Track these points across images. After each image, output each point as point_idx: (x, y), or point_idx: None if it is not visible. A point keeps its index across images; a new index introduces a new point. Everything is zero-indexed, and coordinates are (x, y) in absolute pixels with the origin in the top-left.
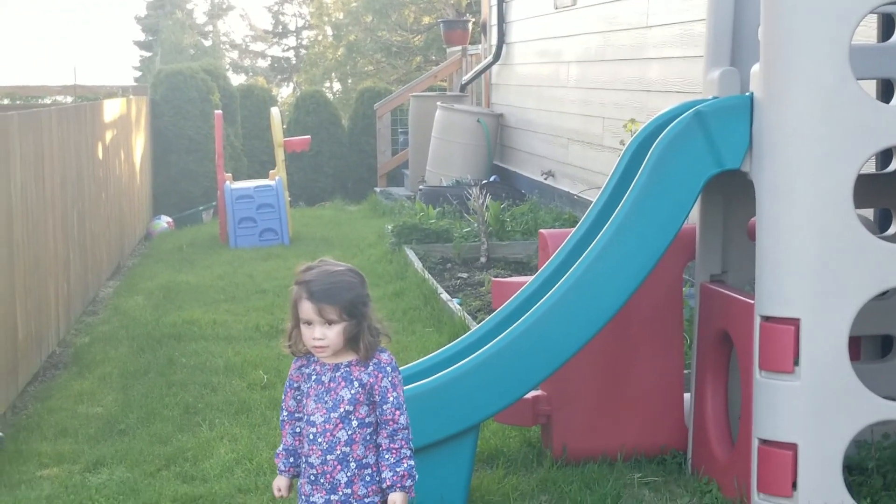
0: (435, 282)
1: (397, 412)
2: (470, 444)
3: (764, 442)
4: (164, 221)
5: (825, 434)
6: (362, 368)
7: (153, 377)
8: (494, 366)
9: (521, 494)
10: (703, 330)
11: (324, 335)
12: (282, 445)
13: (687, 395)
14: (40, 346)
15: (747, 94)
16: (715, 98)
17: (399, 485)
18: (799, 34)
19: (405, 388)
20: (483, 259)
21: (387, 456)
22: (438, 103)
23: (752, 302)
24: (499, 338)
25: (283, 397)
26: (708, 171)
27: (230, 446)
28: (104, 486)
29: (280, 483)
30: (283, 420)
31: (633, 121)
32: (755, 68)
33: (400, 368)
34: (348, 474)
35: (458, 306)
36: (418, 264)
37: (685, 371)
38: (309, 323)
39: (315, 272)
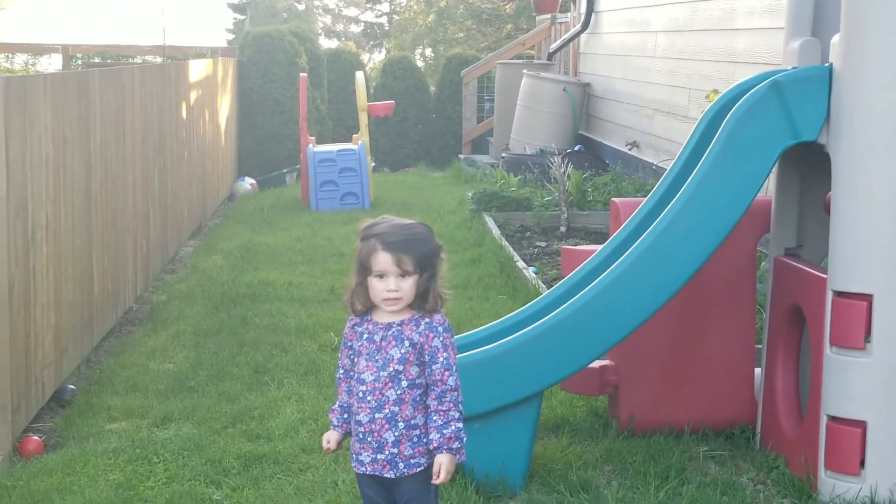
0: (512, 250)
1: (446, 373)
2: (533, 412)
3: (833, 419)
4: (248, 183)
5: (895, 412)
6: (413, 328)
7: (226, 336)
8: (559, 333)
9: (584, 463)
10: (775, 304)
11: (398, 287)
12: (337, 402)
13: (757, 370)
14: (116, 302)
15: (826, 65)
16: (794, 68)
17: (446, 447)
18: (880, 5)
19: (471, 352)
20: (563, 228)
21: (434, 417)
22: (525, 71)
23: (826, 277)
24: (565, 306)
25: (339, 356)
26: (783, 143)
27: (297, 406)
28: (170, 442)
29: (330, 437)
30: (339, 378)
31: (715, 91)
32: (835, 39)
33: (468, 333)
34: (396, 434)
35: (534, 275)
36: (496, 232)
37: (756, 345)
38: (382, 275)
39: (387, 225)
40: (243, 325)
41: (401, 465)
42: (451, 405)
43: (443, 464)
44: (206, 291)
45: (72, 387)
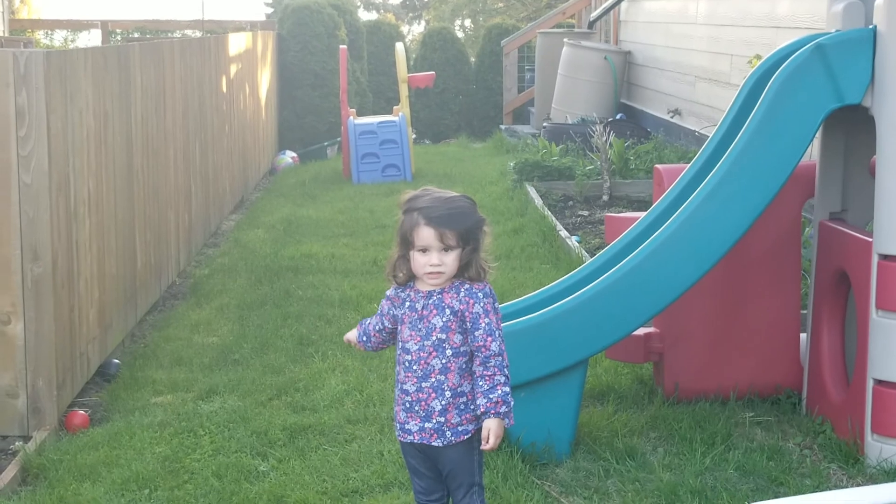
0: (554, 219)
1: (489, 338)
2: (578, 379)
3: (879, 382)
4: (289, 156)
5: None
6: (454, 295)
7: (269, 309)
8: (604, 301)
9: (629, 431)
10: (820, 268)
11: (441, 261)
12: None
13: (803, 335)
14: (160, 276)
15: (870, 27)
16: (837, 31)
17: (493, 411)
18: None
19: (516, 321)
20: (605, 197)
21: (480, 383)
22: (566, 40)
23: (871, 240)
24: (609, 273)
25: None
26: (827, 106)
27: (341, 378)
28: (215, 414)
29: (351, 335)
30: (366, 321)
31: (757, 56)
32: (879, 1)
33: (512, 302)
34: (443, 402)
35: (577, 243)
36: (539, 201)
37: (802, 310)
38: (425, 250)
39: (430, 198)
40: (287, 298)
41: (448, 433)
42: (497, 370)
43: (491, 429)
44: (249, 265)
45: (116, 361)
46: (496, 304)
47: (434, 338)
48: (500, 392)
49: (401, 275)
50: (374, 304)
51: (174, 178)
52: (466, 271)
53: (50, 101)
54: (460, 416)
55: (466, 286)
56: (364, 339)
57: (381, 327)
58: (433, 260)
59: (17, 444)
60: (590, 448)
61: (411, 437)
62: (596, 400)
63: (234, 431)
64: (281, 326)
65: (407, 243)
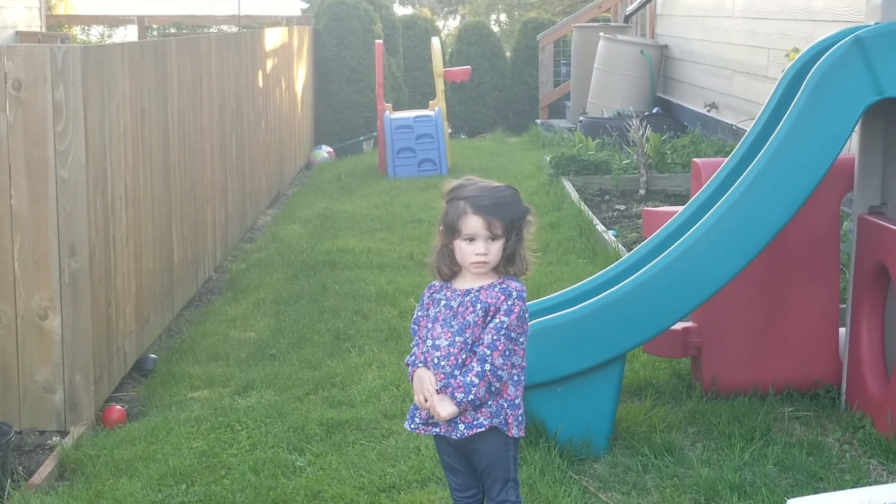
0: (591, 213)
1: (492, 331)
2: (616, 374)
3: None
4: (325, 151)
5: None
6: (489, 292)
7: (306, 304)
8: (641, 296)
9: (668, 426)
10: (859, 263)
11: (487, 250)
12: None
13: (842, 330)
14: (196, 270)
15: None
16: (876, 24)
17: (450, 389)
18: None
19: (553, 315)
20: (642, 191)
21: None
22: (601, 34)
23: None
24: (647, 267)
25: (415, 312)
26: (866, 99)
27: (378, 372)
28: (252, 409)
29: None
30: (414, 329)
31: (795, 49)
32: None
33: (549, 297)
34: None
35: (614, 238)
36: (575, 196)
37: (841, 305)
38: (472, 239)
39: (475, 188)
40: (323, 293)
41: (461, 426)
42: (478, 365)
43: (437, 401)
44: (286, 259)
45: (153, 356)
46: (523, 308)
47: (467, 334)
48: (468, 379)
49: (445, 269)
50: (410, 299)
51: (210, 173)
52: (511, 264)
53: (87, 97)
54: (476, 411)
55: (503, 284)
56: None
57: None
58: (479, 249)
59: (54, 438)
60: (628, 443)
61: (437, 430)
62: (634, 395)
63: (271, 426)
64: (317, 321)
65: (452, 232)
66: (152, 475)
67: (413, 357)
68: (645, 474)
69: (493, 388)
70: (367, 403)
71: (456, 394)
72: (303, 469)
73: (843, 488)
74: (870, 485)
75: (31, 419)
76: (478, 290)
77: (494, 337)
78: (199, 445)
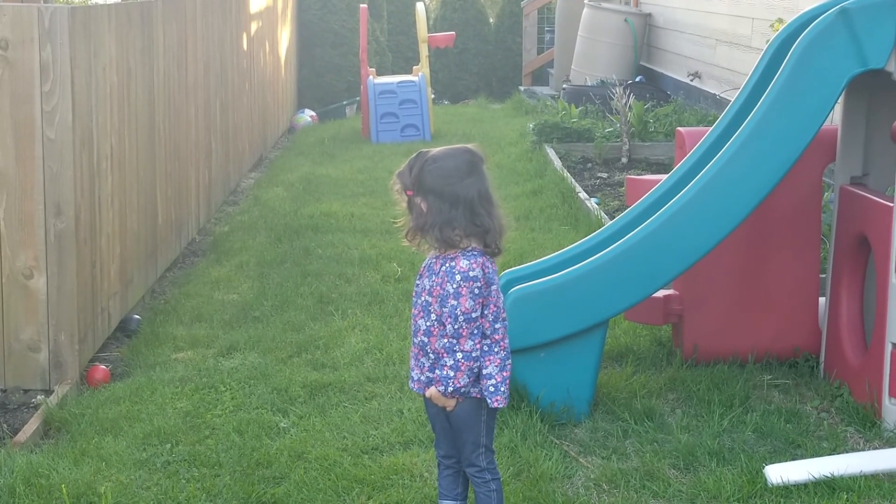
0: (573, 181)
1: (449, 319)
2: (598, 341)
3: None
4: (308, 115)
5: None
6: (440, 264)
7: (289, 267)
8: (623, 263)
9: (648, 392)
10: (840, 233)
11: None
12: None
13: (822, 299)
14: (180, 232)
15: None
16: None
17: (435, 382)
18: None
19: (536, 282)
20: (624, 159)
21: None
22: (586, 2)
23: (892, 205)
24: (629, 235)
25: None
26: (851, 70)
27: (361, 336)
28: (236, 371)
29: None
30: None
31: (780, 20)
32: None
33: (531, 263)
34: (428, 363)
35: (596, 205)
36: (558, 163)
37: (821, 275)
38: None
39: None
40: (306, 256)
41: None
42: (443, 351)
43: (432, 394)
44: (269, 223)
45: (137, 317)
46: (473, 287)
47: (423, 299)
48: (443, 373)
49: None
50: (392, 264)
51: (195, 136)
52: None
53: (74, 57)
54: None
55: (451, 263)
56: None
57: None
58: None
59: (38, 397)
60: (608, 409)
61: (412, 385)
62: (615, 361)
63: (255, 388)
64: (301, 284)
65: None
66: (137, 434)
67: None
68: (625, 439)
69: (474, 372)
70: (350, 366)
71: (438, 388)
72: (286, 430)
73: (821, 455)
74: (847, 452)
75: (15, 378)
76: (435, 258)
77: (455, 326)
78: (184, 406)
